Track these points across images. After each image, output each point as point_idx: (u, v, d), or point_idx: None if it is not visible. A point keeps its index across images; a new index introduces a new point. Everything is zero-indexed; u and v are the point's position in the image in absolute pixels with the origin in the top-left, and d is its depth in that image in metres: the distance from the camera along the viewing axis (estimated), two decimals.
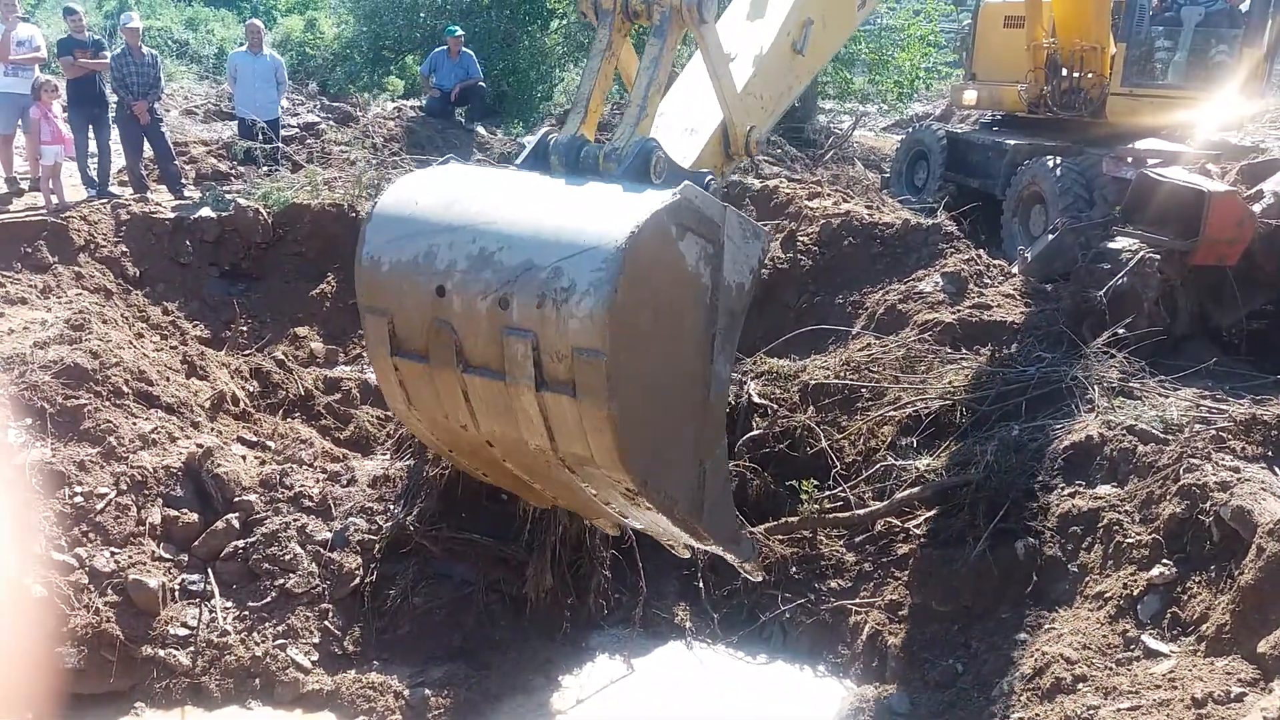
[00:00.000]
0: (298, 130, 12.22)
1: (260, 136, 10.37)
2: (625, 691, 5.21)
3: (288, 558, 5.42)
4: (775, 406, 6.65)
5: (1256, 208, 7.12)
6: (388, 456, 6.33)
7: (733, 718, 5.00)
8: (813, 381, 6.81)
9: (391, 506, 5.82)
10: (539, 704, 5.07)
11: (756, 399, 6.68)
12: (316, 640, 5.23)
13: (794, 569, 5.74)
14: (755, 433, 6.43)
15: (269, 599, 5.31)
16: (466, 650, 5.31)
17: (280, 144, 10.77)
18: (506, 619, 5.52)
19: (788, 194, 9.51)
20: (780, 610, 5.57)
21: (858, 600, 5.48)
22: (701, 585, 5.76)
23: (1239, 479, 4.71)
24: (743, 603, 5.67)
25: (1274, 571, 4.13)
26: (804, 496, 5.98)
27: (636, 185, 3.64)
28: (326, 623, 5.31)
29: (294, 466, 5.99)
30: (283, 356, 7.70)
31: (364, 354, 8.65)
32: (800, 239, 8.75)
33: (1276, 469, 5.07)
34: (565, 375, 3.42)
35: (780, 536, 5.89)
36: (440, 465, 5.66)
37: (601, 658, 5.46)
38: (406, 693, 4.95)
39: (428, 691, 4.95)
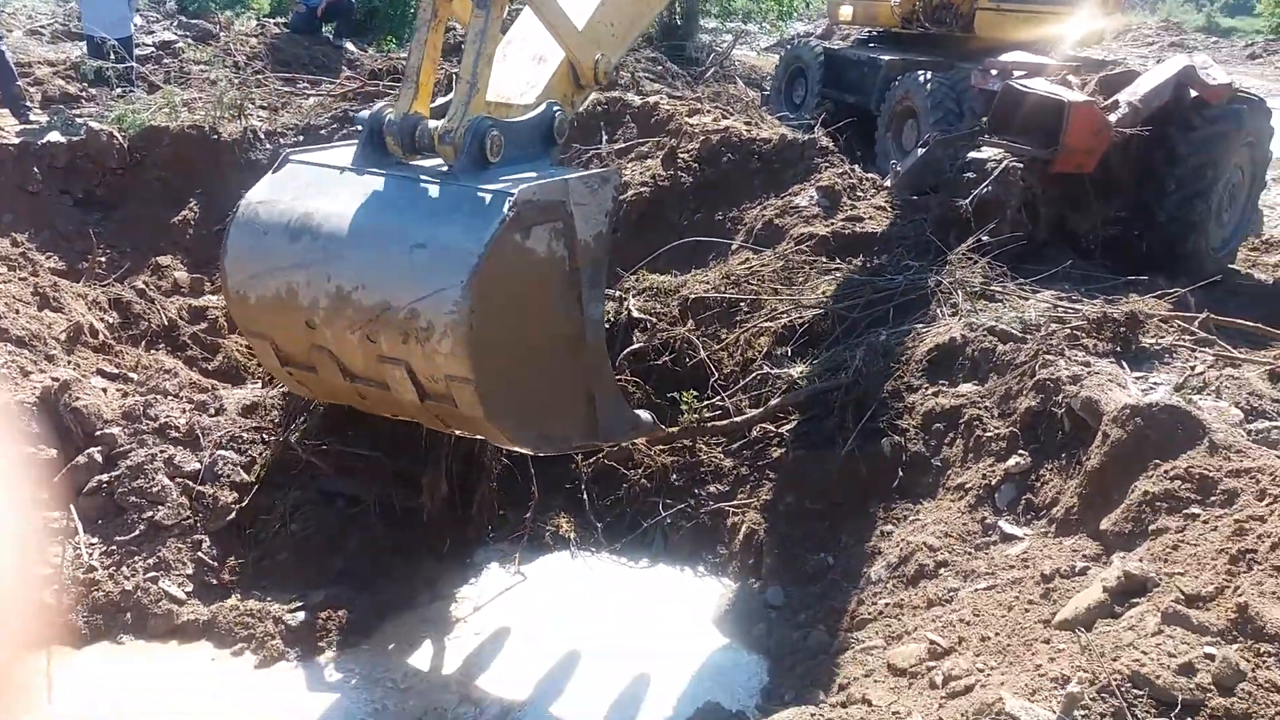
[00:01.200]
0: (153, 49, 11.57)
1: (112, 56, 9.74)
2: (513, 601, 5.28)
3: (155, 490, 5.25)
4: (655, 321, 6.70)
5: (1112, 117, 7.41)
6: (259, 385, 6.16)
7: (618, 619, 5.11)
8: (692, 296, 6.89)
9: (265, 435, 5.69)
10: (425, 619, 5.09)
11: (637, 314, 6.72)
12: (190, 572, 5.10)
13: (674, 476, 5.86)
14: (636, 346, 6.47)
15: (137, 533, 5.13)
16: (350, 573, 5.27)
17: (134, 64, 10.16)
18: (391, 539, 5.49)
19: (668, 111, 9.47)
20: (662, 516, 5.69)
21: (735, 503, 5.64)
22: (585, 498, 5.82)
23: (1089, 372, 4.97)
24: (625, 511, 5.77)
25: (1117, 456, 4.39)
26: (684, 407, 6.09)
27: (474, 182, 3.65)
28: (200, 554, 5.18)
29: (158, 398, 5.77)
30: (144, 286, 7.36)
31: None
32: (681, 156, 8.73)
33: (1124, 363, 5.37)
34: (443, 391, 3.65)
35: (661, 446, 5.99)
36: None
37: (488, 571, 5.51)
38: (287, 617, 4.89)
39: (309, 615, 4.91)
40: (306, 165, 4.00)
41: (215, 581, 5.14)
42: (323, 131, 9.29)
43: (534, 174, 3.81)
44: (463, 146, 3.68)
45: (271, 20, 14.67)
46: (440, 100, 4.21)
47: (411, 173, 3.83)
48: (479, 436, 4.55)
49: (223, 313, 7.16)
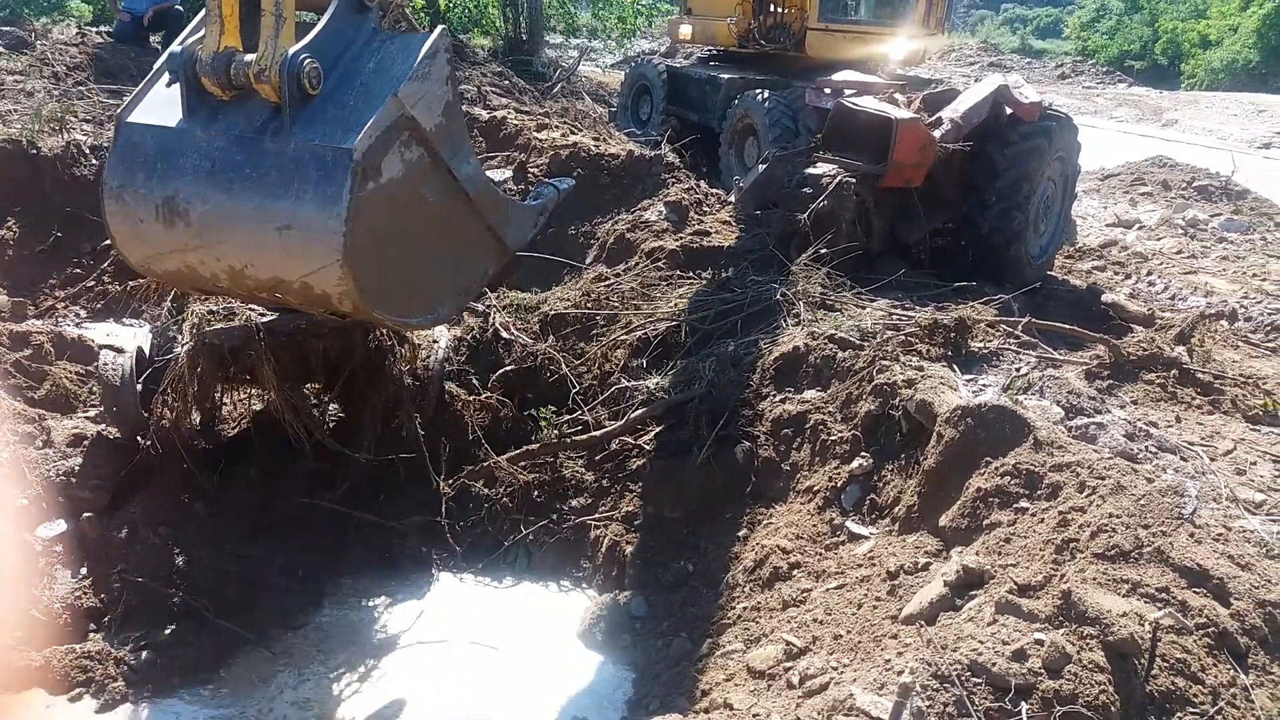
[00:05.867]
0: None
1: None
2: (369, 630, 5.15)
3: None
4: (518, 338, 6.71)
5: (937, 134, 7.87)
6: (91, 413, 5.83)
7: (481, 640, 5.07)
8: (552, 312, 6.94)
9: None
10: (276, 653, 4.91)
11: (504, 334, 6.72)
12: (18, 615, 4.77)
13: (536, 493, 5.86)
14: (508, 368, 6.48)
15: None
16: (196, 608, 5.04)
17: None
18: (238, 571, 5.28)
19: (516, 125, 9.50)
20: (524, 534, 5.68)
21: (597, 516, 5.70)
22: (444, 520, 5.75)
23: (923, 376, 5.27)
24: (486, 530, 5.73)
25: (951, 455, 4.66)
26: (543, 423, 6.11)
27: (309, 130, 3.70)
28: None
29: None
30: None
31: (57, 307, 7.90)
32: (530, 170, 8.77)
33: (955, 366, 5.71)
34: (351, 310, 3.95)
35: (522, 464, 5.98)
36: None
37: (342, 600, 5.35)
38: (129, 658, 4.65)
39: (153, 654, 4.67)
40: (147, 129, 3.96)
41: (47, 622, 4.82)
42: None
43: (361, 87, 3.77)
44: (281, 89, 3.66)
45: (94, 29, 13.88)
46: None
47: (246, 123, 3.80)
48: None
49: (49, 338, 6.74)
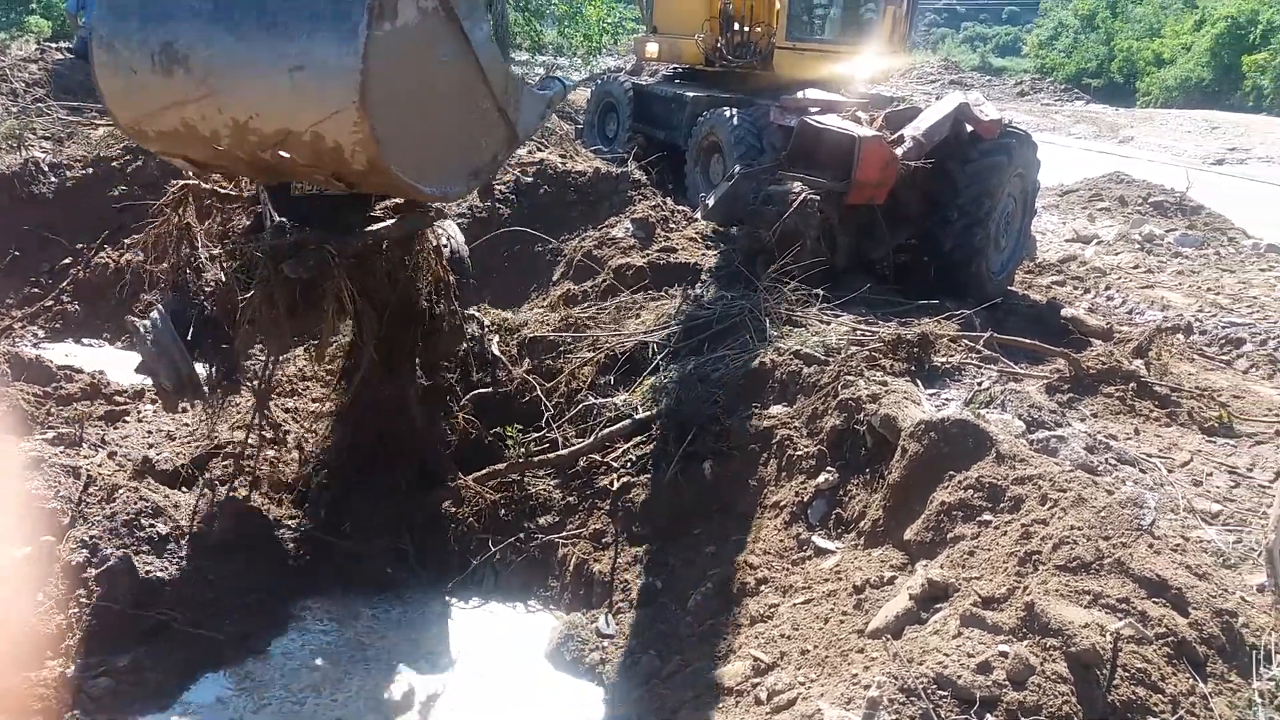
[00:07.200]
0: None
1: None
2: (334, 652, 5.09)
3: None
4: (504, 361, 6.71)
5: (899, 151, 7.97)
6: (49, 435, 5.72)
7: (448, 661, 5.03)
8: (531, 335, 6.94)
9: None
10: (237, 677, 4.83)
11: (497, 353, 6.71)
12: None
13: (503, 512, 5.84)
14: (483, 390, 6.48)
15: None
16: (155, 632, 4.96)
17: None
18: (198, 594, 5.21)
19: None
20: (491, 553, 5.65)
21: (565, 534, 5.68)
22: (409, 544, 5.70)
23: (886, 391, 5.32)
24: (453, 550, 5.69)
25: (915, 469, 4.70)
26: (509, 443, 6.09)
27: None
28: None
29: None
30: None
31: (15, 327, 7.78)
32: (497, 187, 8.77)
33: (918, 381, 5.77)
34: (369, 178, 3.82)
35: (491, 483, 5.96)
36: None
37: (306, 623, 5.28)
38: (86, 684, 4.56)
39: (111, 680, 4.59)
40: None
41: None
42: (114, 164, 8.78)
43: None
44: None
45: (53, 45, 13.71)
46: None
47: None
48: None
49: (5, 359, 6.62)
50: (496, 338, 6.86)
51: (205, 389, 4.92)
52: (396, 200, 4.90)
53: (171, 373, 4.76)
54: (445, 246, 5.74)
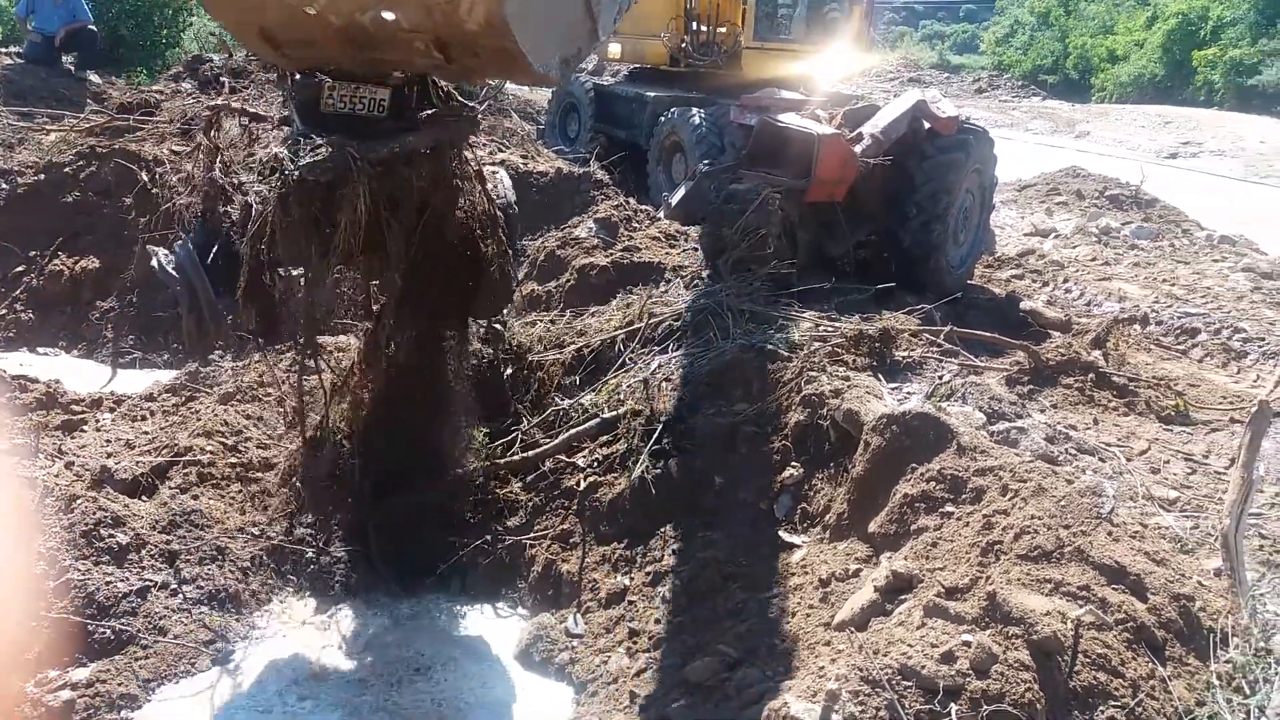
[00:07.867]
0: None
1: None
2: (299, 661, 5.03)
3: None
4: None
5: (858, 149, 8.03)
6: (4, 445, 5.61)
7: (415, 667, 4.99)
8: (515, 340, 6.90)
9: None
10: (198, 688, 4.78)
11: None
12: None
13: (469, 514, 5.81)
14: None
15: None
16: (117, 640, 4.89)
17: None
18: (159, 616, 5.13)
19: None
20: (458, 556, 5.62)
21: (532, 534, 5.66)
22: (373, 546, 5.66)
23: (849, 385, 5.36)
24: (419, 555, 5.65)
25: (878, 462, 4.75)
26: (475, 444, 6.07)
27: None
28: None
29: None
30: None
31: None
32: None
33: (880, 375, 5.83)
34: (472, 50, 3.61)
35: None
36: None
37: (269, 631, 5.21)
38: (47, 697, 4.48)
39: (73, 693, 4.52)
40: None
41: None
42: (67, 170, 8.64)
43: None
44: None
45: (2, 49, 13.47)
46: None
47: None
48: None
49: None
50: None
51: (230, 328, 4.79)
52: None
53: (193, 302, 4.60)
54: (494, 188, 5.48)
